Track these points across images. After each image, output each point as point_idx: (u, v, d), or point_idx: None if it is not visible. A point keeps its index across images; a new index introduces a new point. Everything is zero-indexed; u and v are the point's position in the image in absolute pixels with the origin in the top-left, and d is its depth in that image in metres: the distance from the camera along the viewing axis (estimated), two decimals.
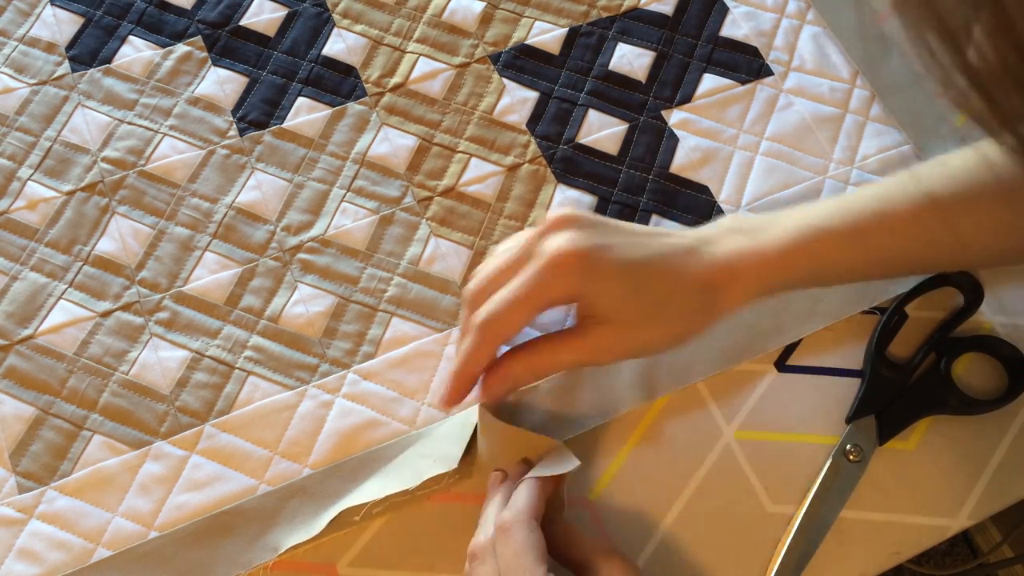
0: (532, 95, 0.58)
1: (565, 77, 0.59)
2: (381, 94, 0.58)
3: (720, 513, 0.47)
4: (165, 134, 0.56)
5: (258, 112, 0.56)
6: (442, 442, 0.47)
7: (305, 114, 0.57)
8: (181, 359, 0.50)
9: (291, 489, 0.47)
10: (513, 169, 0.56)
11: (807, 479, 0.48)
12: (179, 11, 0.60)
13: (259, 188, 0.54)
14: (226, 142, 0.56)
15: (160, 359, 0.50)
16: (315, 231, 0.53)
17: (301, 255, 0.53)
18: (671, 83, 0.59)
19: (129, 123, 0.56)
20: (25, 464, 0.47)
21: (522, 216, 0.54)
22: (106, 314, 0.51)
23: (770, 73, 0.59)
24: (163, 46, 0.58)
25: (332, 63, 0.58)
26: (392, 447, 0.48)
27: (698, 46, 0.60)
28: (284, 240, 0.53)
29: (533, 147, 0.56)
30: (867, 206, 0.44)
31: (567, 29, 0.60)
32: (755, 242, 0.43)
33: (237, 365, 0.50)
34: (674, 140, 0.57)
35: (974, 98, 0.25)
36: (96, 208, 0.53)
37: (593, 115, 0.57)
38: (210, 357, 0.50)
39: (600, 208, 0.55)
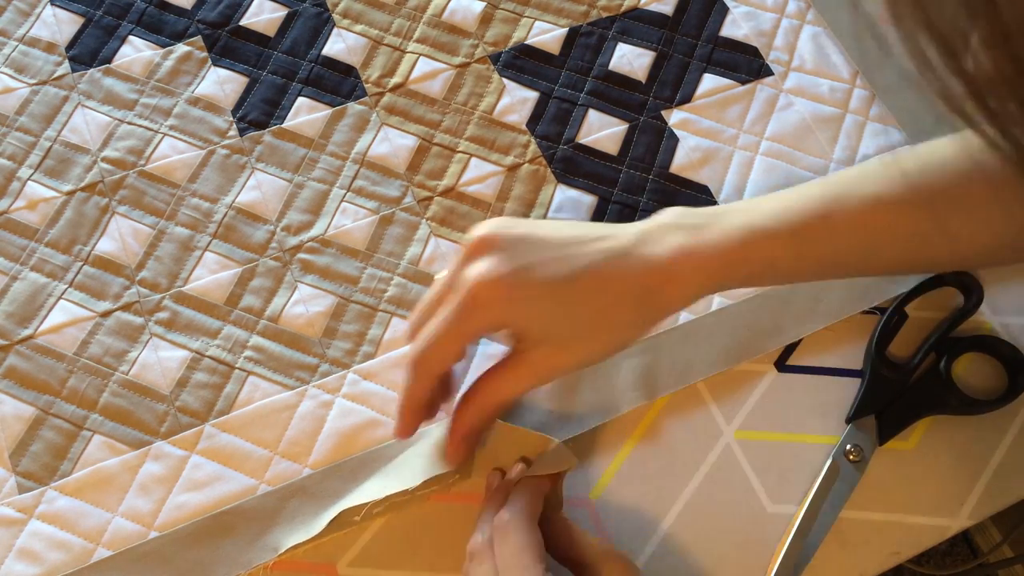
0: (532, 95, 0.58)
1: (565, 77, 0.59)
2: (381, 94, 0.58)
3: (720, 513, 0.47)
4: (165, 134, 0.56)
5: (258, 112, 0.56)
6: (442, 442, 0.47)
7: (305, 114, 0.57)
8: (181, 359, 0.50)
9: (291, 489, 0.47)
10: (513, 169, 0.56)
11: (807, 479, 0.48)
12: (179, 11, 0.60)
13: (259, 188, 0.54)
14: (226, 142, 0.56)
15: (160, 359, 0.50)
16: (315, 231, 0.53)
17: (301, 255, 0.53)
18: (671, 83, 0.59)
19: (129, 123, 0.56)
20: (25, 464, 0.47)
21: (522, 216, 0.54)
22: (106, 314, 0.51)
23: (770, 73, 0.59)
24: (163, 46, 0.58)
25: (332, 63, 0.58)
26: (392, 447, 0.48)
27: (698, 46, 0.60)
28: (284, 240, 0.53)
29: (533, 147, 0.56)
30: (813, 207, 0.42)
31: (567, 29, 0.60)
32: (694, 241, 0.41)
33: (237, 365, 0.50)
34: (674, 140, 0.57)
35: (970, 106, 0.25)
36: (96, 208, 0.53)
37: (593, 115, 0.57)
38: (210, 357, 0.50)
39: (600, 208, 0.55)
